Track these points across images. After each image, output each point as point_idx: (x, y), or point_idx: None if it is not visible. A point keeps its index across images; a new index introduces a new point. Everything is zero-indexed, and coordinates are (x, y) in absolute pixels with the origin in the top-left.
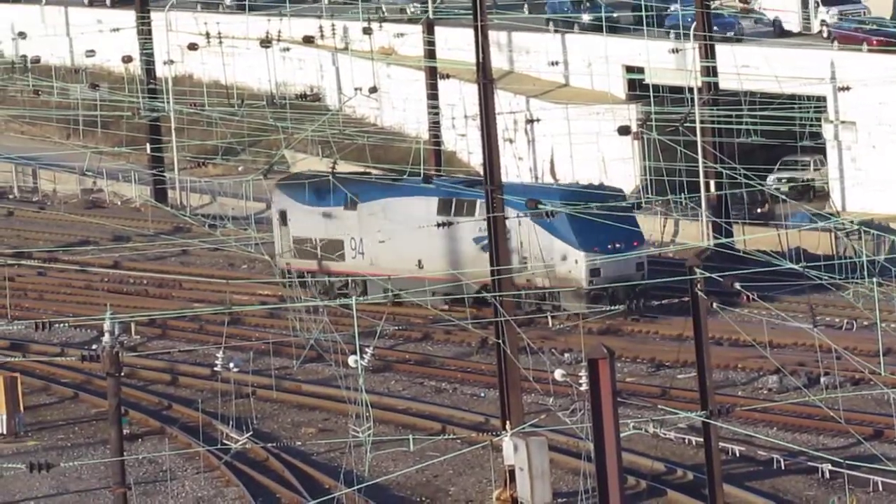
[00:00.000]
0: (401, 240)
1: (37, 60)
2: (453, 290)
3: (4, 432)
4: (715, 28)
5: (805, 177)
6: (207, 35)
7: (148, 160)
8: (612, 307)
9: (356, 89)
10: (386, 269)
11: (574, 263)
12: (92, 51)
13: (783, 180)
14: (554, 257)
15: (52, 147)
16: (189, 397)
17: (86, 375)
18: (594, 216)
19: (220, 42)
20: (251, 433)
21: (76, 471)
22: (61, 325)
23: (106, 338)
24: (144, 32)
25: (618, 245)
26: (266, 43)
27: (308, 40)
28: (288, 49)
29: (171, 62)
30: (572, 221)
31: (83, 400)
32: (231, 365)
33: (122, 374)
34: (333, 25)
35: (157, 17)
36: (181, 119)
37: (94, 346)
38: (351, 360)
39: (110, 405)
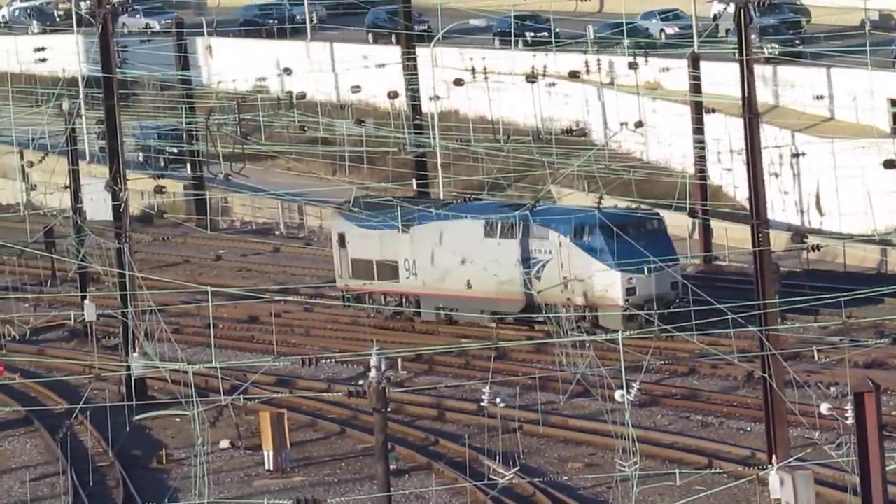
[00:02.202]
0: (451, 261)
1: (302, 96)
2: (501, 308)
3: (271, 468)
4: None
5: None
6: (473, 70)
7: (414, 196)
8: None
9: (622, 124)
10: (437, 289)
11: (610, 283)
12: (357, 86)
13: None
14: (592, 277)
15: (318, 183)
16: (456, 432)
17: (352, 411)
18: (630, 238)
19: (486, 77)
20: (518, 468)
21: None
22: (328, 360)
23: (373, 373)
24: (410, 68)
25: (653, 266)
26: (532, 78)
27: (574, 75)
28: (554, 84)
29: (437, 98)
30: (609, 242)
31: (350, 436)
32: (498, 400)
33: (389, 409)
34: (599, 60)
35: (422, 53)
36: (447, 154)
37: (360, 382)
38: (617, 394)
39: (377, 441)
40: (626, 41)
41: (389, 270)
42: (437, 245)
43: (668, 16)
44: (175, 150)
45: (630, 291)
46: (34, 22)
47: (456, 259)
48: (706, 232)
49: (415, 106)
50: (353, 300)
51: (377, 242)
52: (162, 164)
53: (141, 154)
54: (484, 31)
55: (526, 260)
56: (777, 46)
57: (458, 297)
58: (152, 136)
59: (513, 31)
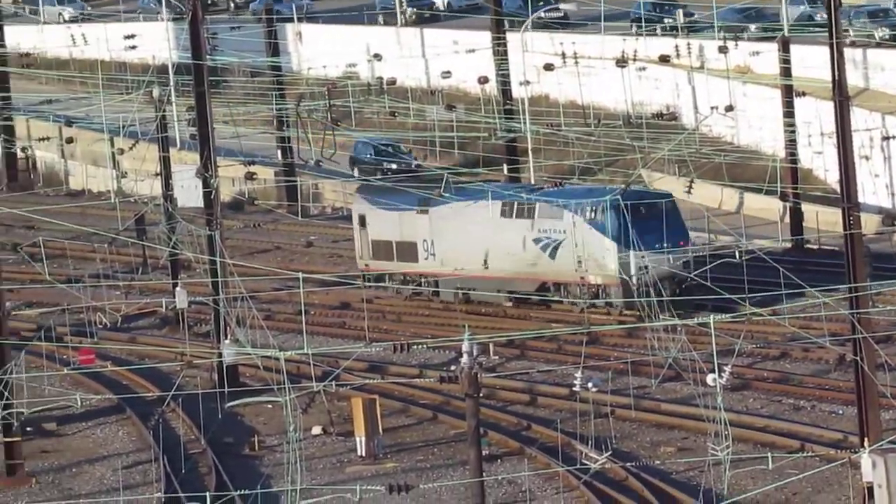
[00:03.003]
0: (468, 241)
1: (392, 82)
2: (517, 288)
3: (364, 454)
4: None
5: None
6: (563, 55)
7: (505, 181)
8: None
9: (712, 108)
10: (455, 269)
11: (622, 262)
12: (448, 72)
13: None
14: (605, 255)
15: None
16: (548, 417)
17: (445, 397)
18: (642, 217)
19: (576, 62)
20: (610, 453)
21: (436, 492)
22: (420, 346)
23: (465, 359)
24: (500, 53)
25: (664, 244)
26: (622, 62)
27: (664, 59)
28: (644, 68)
29: (528, 83)
30: (621, 222)
31: (442, 421)
32: (590, 384)
33: (481, 394)
34: (689, 44)
35: (512, 38)
36: (538, 139)
37: (452, 368)
38: (709, 378)
39: (469, 426)
40: (753, 27)
41: (408, 251)
42: (454, 226)
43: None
44: (393, 167)
45: (642, 270)
46: (164, 9)
47: (473, 239)
48: (797, 215)
49: (505, 91)
50: (373, 280)
51: (397, 223)
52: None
53: (356, 169)
54: (573, 17)
55: (541, 240)
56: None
57: (475, 277)
58: (368, 150)
59: (642, 16)
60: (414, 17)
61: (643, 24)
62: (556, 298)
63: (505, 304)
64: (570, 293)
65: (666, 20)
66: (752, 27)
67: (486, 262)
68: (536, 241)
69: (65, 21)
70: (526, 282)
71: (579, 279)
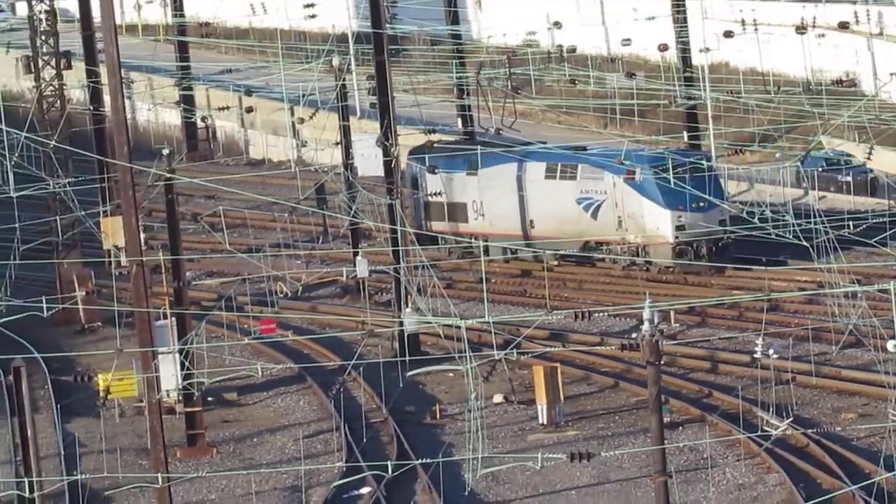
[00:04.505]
0: (515, 202)
1: (573, 50)
2: (561, 247)
3: (545, 422)
4: None
5: None
6: (743, 22)
7: (685, 148)
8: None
9: (892, 74)
10: (503, 229)
11: (660, 221)
12: (628, 39)
13: None
14: (644, 216)
15: (590, 136)
16: (729, 384)
17: (626, 364)
18: (680, 178)
19: (756, 29)
20: (791, 419)
21: (617, 460)
22: (601, 314)
23: (646, 326)
24: (680, 21)
25: (701, 204)
26: (801, 29)
27: (843, 26)
28: (823, 35)
29: (707, 50)
30: (659, 183)
31: (623, 389)
32: (771, 351)
33: (662, 362)
34: (868, 11)
35: (692, 5)
36: (717, 107)
37: (633, 335)
38: (890, 344)
39: (650, 394)
40: None
41: (459, 212)
42: (502, 187)
43: None
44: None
45: (679, 228)
46: None
47: (520, 200)
48: None
49: (685, 58)
50: (427, 241)
51: (448, 185)
52: None
53: None
54: None
55: (583, 200)
56: None
57: (521, 237)
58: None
59: None
60: None
61: None
62: (599, 256)
63: (551, 262)
64: (612, 252)
65: None
66: None
67: (532, 222)
68: (579, 201)
69: None
70: (570, 242)
71: (620, 239)
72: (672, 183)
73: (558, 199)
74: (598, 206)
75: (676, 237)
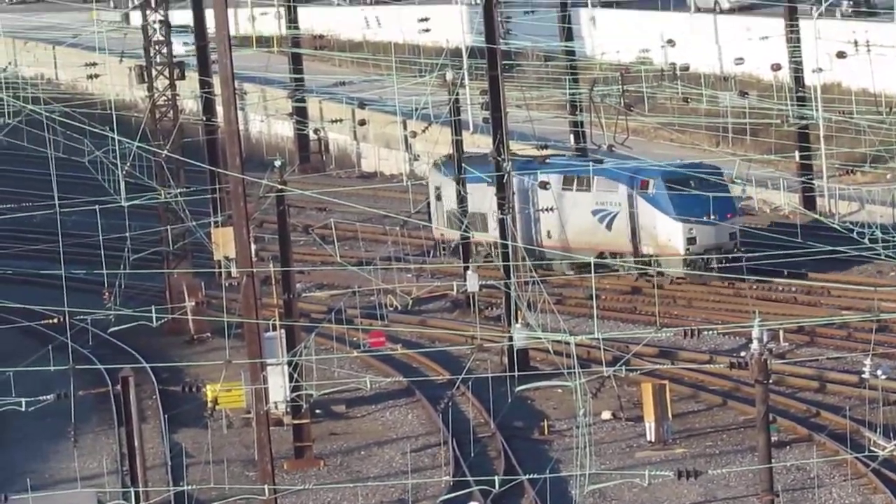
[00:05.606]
0: (533, 212)
1: (686, 68)
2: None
3: (653, 440)
4: None
5: None
6: (856, 43)
7: (796, 168)
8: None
9: None
10: (521, 238)
11: (672, 233)
12: (741, 58)
13: None
14: (656, 227)
15: (702, 154)
16: (836, 404)
17: (734, 383)
18: (692, 191)
19: (869, 50)
20: None
21: (724, 478)
22: (710, 332)
23: (754, 345)
24: (793, 41)
25: (712, 217)
26: None
27: None
28: None
29: (820, 70)
30: (671, 195)
31: (731, 407)
32: (879, 372)
33: (771, 381)
34: None
35: (805, 25)
36: (829, 127)
37: (742, 354)
38: None
39: (758, 412)
40: None
41: (480, 221)
42: (521, 197)
43: None
44: None
45: (690, 241)
46: None
47: (537, 210)
48: None
49: (798, 78)
50: (449, 249)
51: (470, 195)
52: None
53: None
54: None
55: (598, 211)
56: None
57: (539, 246)
58: None
59: None
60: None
61: None
62: (611, 261)
63: (567, 273)
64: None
65: None
66: None
67: (548, 231)
68: (594, 212)
69: (359, 3)
70: (585, 251)
71: (633, 249)
72: (684, 197)
73: (574, 209)
74: (613, 218)
75: (687, 249)
